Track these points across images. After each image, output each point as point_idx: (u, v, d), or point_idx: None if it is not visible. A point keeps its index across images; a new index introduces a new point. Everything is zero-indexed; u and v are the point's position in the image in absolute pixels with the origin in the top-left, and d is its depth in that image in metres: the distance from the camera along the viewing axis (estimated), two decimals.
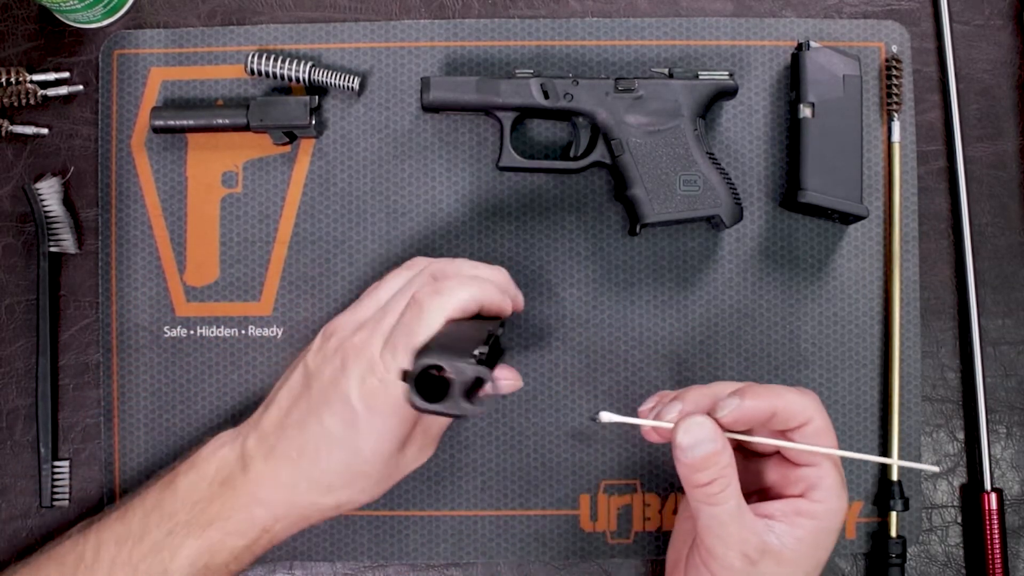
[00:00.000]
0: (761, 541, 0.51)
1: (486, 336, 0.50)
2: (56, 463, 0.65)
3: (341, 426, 0.53)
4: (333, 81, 0.65)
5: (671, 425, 0.52)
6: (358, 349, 0.53)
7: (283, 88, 0.67)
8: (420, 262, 0.59)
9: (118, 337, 0.66)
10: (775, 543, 0.51)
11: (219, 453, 0.56)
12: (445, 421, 0.58)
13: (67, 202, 0.66)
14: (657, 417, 0.53)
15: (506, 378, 0.56)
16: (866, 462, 0.65)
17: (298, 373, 0.56)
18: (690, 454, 0.50)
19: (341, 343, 0.55)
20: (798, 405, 0.52)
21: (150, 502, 0.55)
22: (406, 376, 0.48)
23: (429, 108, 0.64)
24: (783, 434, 0.53)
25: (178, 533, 0.54)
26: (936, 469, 0.58)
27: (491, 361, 0.51)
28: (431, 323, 0.52)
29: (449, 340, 0.51)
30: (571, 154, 0.65)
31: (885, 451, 0.65)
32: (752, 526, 0.51)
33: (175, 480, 0.56)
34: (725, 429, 0.52)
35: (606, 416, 0.52)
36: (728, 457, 0.51)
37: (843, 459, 0.65)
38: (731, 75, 0.64)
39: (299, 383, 0.56)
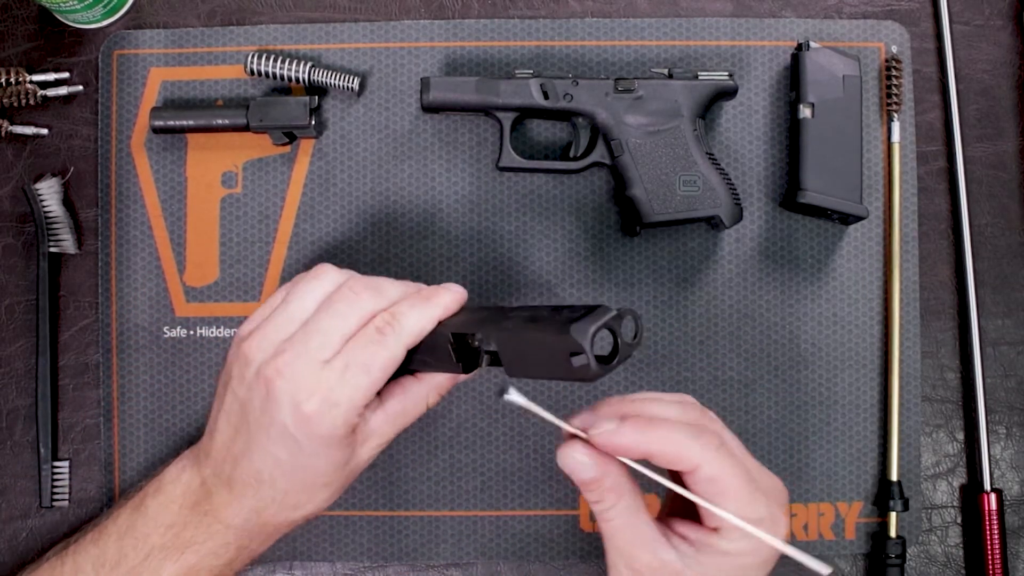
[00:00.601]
0: (656, 558, 0.49)
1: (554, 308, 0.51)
2: (56, 463, 0.65)
3: (287, 453, 0.52)
4: (333, 81, 0.65)
5: (569, 428, 0.50)
6: (283, 374, 0.51)
7: (283, 88, 0.67)
8: (329, 272, 0.55)
9: (118, 337, 0.66)
10: (675, 563, 0.49)
11: (183, 478, 0.55)
12: (411, 417, 0.56)
13: (67, 202, 0.66)
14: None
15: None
16: (865, 461, 0.65)
17: (230, 400, 0.54)
18: (573, 476, 0.50)
19: (261, 368, 0.51)
20: (678, 451, 0.49)
21: (122, 525, 0.55)
22: (576, 352, 0.46)
23: (429, 108, 0.64)
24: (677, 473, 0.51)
25: (155, 557, 0.54)
26: (828, 571, 0.50)
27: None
28: (393, 349, 0.52)
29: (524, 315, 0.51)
30: (571, 154, 0.65)
31: (885, 451, 0.65)
32: (647, 543, 0.50)
33: (144, 502, 0.55)
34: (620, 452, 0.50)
35: (513, 395, 0.49)
36: (613, 479, 0.49)
37: (846, 456, 0.65)
38: (731, 75, 0.64)
39: (234, 412, 0.53)
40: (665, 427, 0.49)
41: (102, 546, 0.55)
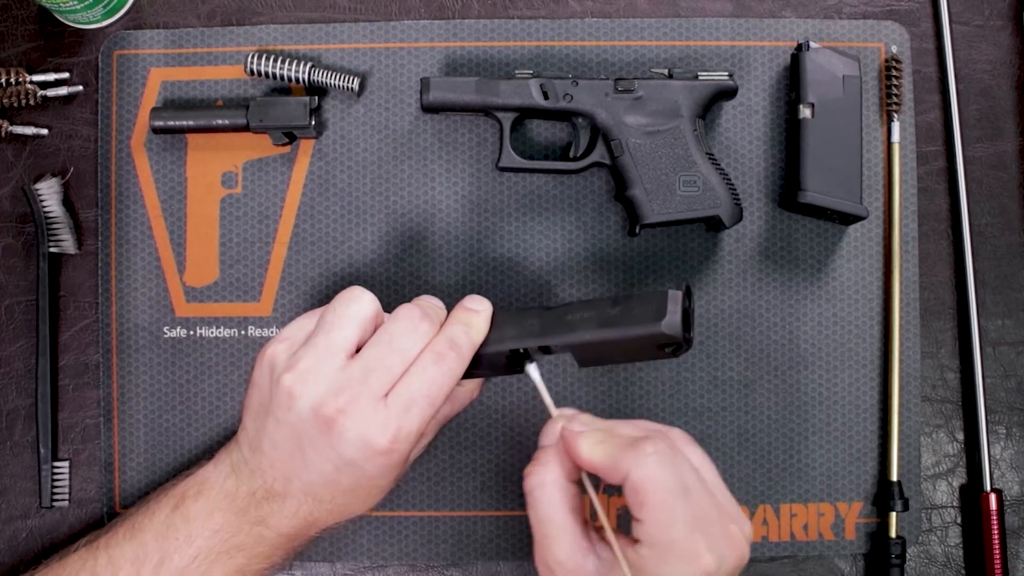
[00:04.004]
0: (571, 559, 0.50)
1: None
2: (56, 463, 0.65)
3: (350, 478, 0.53)
4: (333, 82, 0.65)
5: (554, 411, 0.54)
6: (347, 413, 0.51)
7: (283, 88, 0.67)
8: (364, 295, 0.55)
9: (118, 337, 0.66)
10: (589, 569, 0.50)
11: (226, 485, 0.55)
12: (455, 414, 0.59)
13: (67, 202, 0.66)
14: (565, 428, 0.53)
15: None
16: (865, 461, 0.65)
17: (273, 426, 0.53)
18: (540, 440, 0.54)
19: (318, 407, 0.51)
20: (610, 460, 0.50)
21: (160, 524, 0.55)
22: (668, 343, 0.52)
23: (429, 109, 0.64)
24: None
25: (203, 559, 0.54)
26: None
27: None
28: (456, 375, 0.53)
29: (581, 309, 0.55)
30: (571, 154, 0.65)
31: (885, 451, 0.65)
32: (565, 540, 0.50)
33: (184, 504, 0.55)
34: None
35: (534, 372, 0.55)
36: (557, 457, 0.52)
37: (846, 456, 0.65)
38: (731, 75, 0.64)
39: (282, 438, 0.53)
40: (605, 437, 0.51)
41: (140, 542, 0.55)
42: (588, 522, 0.52)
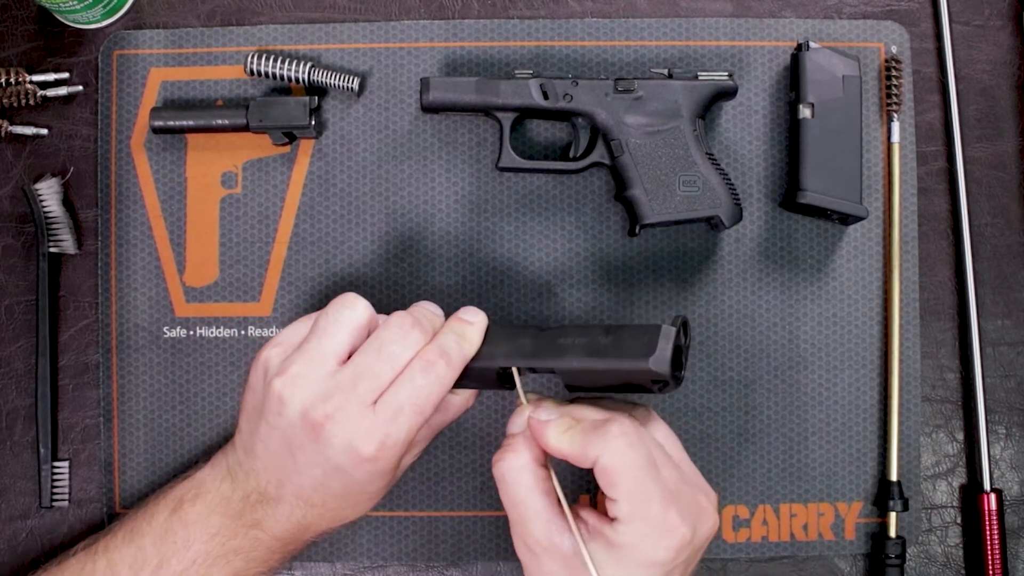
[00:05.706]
0: (546, 537, 0.51)
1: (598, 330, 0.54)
2: (56, 463, 0.65)
3: (339, 483, 0.53)
4: (333, 82, 0.65)
5: (523, 399, 0.54)
6: (334, 419, 0.51)
7: (283, 89, 0.67)
8: (358, 302, 0.55)
9: (118, 337, 0.66)
10: (564, 547, 0.51)
11: (222, 488, 0.55)
12: (450, 423, 0.58)
13: (67, 202, 0.66)
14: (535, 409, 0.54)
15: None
16: (865, 461, 0.65)
17: (266, 430, 0.53)
18: (508, 429, 0.55)
19: (307, 412, 0.51)
20: (580, 450, 0.51)
21: (159, 528, 0.55)
22: (657, 379, 0.51)
23: (429, 109, 0.64)
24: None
25: (201, 563, 0.54)
26: None
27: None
28: (445, 384, 0.53)
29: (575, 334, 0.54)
30: (571, 154, 0.65)
31: (885, 451, 0.65)
32: (540, 519, 0.51)
33: (182, 508, 0.55)
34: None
35: (515, 373, 0.54)
36: (528, 445, 0.52)
37: (846, 456, 0.65)
38: (731, 76, 0.64)
39: (274, 442, 0.53)
40: (571, 424, 0.52)
41: (138, 545, 0.55)
42: (561, 503, 0.53)
